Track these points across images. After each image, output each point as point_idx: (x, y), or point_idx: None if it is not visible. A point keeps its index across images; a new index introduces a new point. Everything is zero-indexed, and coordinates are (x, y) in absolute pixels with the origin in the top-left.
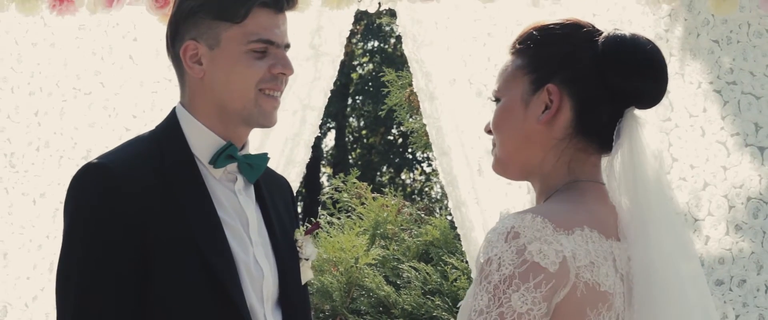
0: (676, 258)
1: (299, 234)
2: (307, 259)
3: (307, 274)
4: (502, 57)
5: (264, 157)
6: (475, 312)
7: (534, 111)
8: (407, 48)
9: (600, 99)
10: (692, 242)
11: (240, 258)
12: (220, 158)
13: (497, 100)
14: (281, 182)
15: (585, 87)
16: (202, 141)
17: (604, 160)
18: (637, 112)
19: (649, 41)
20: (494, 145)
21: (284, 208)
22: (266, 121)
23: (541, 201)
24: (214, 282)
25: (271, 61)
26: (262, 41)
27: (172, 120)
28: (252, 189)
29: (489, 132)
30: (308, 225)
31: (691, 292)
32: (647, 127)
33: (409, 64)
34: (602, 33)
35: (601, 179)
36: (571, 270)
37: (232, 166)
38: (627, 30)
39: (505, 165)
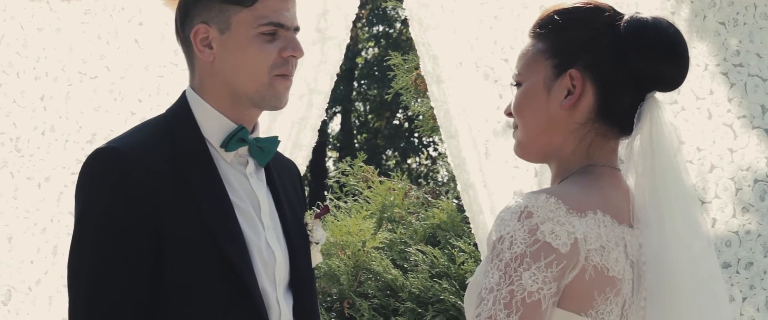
0: (689, 242)
1: (309, 218)
2: (316, 243)
3: (316, 258)
4: (512, 39)
5: (275, 141)
6: (486, 289)
7: (556, 96)
8: (414, 31)
9: (622, 83)
10: (706, 228)
11: (252, 243)
12: (231, 141)
13: (518, 84)
14: (289, 165)
15: (607, 72)
16: (213, 124)
17: (622, 144)
18: (658, 95)
19: (670, 24)
20: (515, 127)
21: (293, 191)
22: (278, 102)
23: (557, 183)
24: (226, 266)
25: (282, 43)
26: (272, 24)
27: (182, 104)
28: (263, 172)
29: (509, 115)
30: (317, 209)
31: (702, 279)
32: (668, 110)
33: (415, 48)
34: (623, 16)
35: (616, 164)
36: (581, 253)
37: (243, 150)
38: (648, 13)
39: (526, 149)
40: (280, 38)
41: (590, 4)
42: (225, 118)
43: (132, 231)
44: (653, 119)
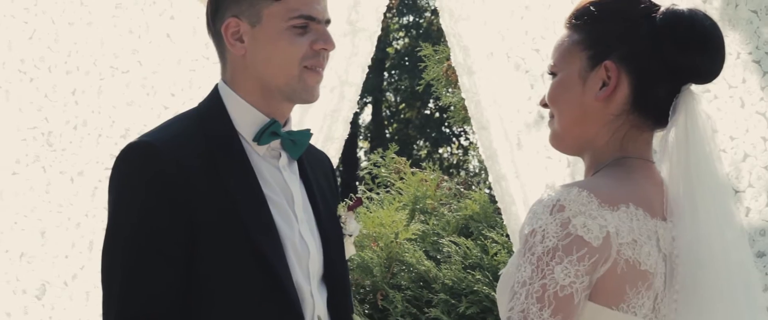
0: (723, 232)
1: (342, 210)
2: (350, 235)
3: (350, 250)
4: (543, 30)
5: (307, 133)
6: (518, 283)
7: (591, 87)
8: (444, 22)
9: (658, 75)
10: (739, 219)
11: (286, 235)
12: (264, 135)
13: (553, 74)
14: (322, 157)
15: (643, 63)
16: (245, 118)
17: (656, 136)
18: (694, 87)
19: (706, 16)
20: (551, 117)
21: (326, 184)
22: (310, 96)
23: (590, 175)
24: (260, 260)
25: (313, 36)
26: (303, 17)
27: (214, 97)
28: (296, 165)
29: (544, 105)
30: (350, 201)
31: (735, 269)
32: (703, 102)
33: (446, 39)
34: (659, 7)
35: (651, 156)
36: (613, 246)
37: (276, 143)
38: (684, 5)
39: (561, 139)
40: (312, 31)
41: None
42: (257, 112)
43: (166, 224)
44: (688, 111)
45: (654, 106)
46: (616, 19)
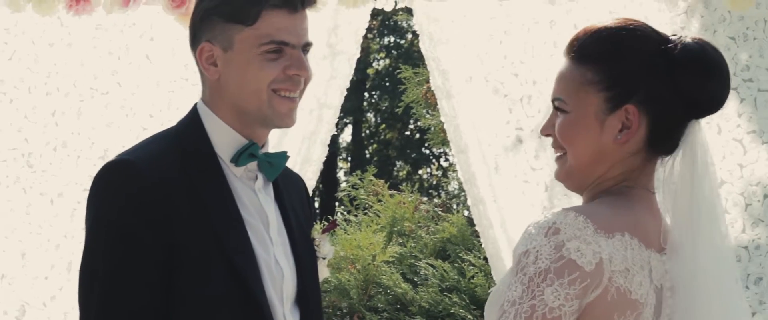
0: (720, 266)
1: (316, 233)
2: (324, 258)
3: (323, 273)
4: (522, 54)
5: (284, 156)
6: (508, 301)
7: (610, 130)
8: (424, 46)
9: (675, 111)
10: (734, 255)
11: (261, 258)
12: (242, 156)
13: (561, 110)
14: (296, 180)
15: (662, 103)
16: (224, 138)
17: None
18: (700, 121)
19: (714, 47)
20: (559, 152)
21: (300, 206)
22: (282, 122)
23: (588, 202)
24: (237, 281)
25: (286, 61)
26: (274, 42)
27: (194, 117)
28: (271, 187)
29: (547, 135)
30: (325, 223)
31: (728, 301)
32: (705, 131)
33: (425, 62)
34: (667, 39)
35: (652, 187)
36: (605, 273)
37: (253, 164)
38: (688, 37)
39: (573, 177)
40: (286, 56)
41: (634, 26)
42: (235, 133)
43: (145, 242)
44: (695, 144)
45: (668, 141)
46: (633, 58)
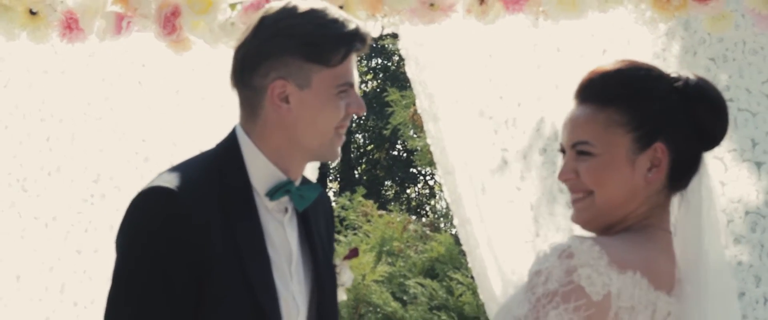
0: (727, 306)
1: (338, 260)
2: (342, 285)
3: (340, 297)
4: (506, 77)
5: (316, 188)
6: (515, 317)
7: (641, 168)
8: (410, 70)
9: (693, 146)
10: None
11: (281, 295)
12: (278, 192)
13: (585, 153)
14: (323, 200)
15: (684, 139)
16: (262, 172)
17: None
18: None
19: (712, 83)
20: (581, 195)
21: (325, 229)
22: (333, 156)
23: (599, 235)
24: (259, 316)
25: (348, 100)
26: (348, 84)
27: (232, 144)
28: (296, 217)
29: (567, 179)
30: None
31: None
32: (710, 165)
33: (412, 85)
34: (673, 77)
35: (669, 227)
36: (612, 307)
37: (285, 198)
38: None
39: (596, 219)
40: (348, 95)
41: (644, 68)
42: (275, 168)
43: (176, 274)
44: (702, 177)
45: (687, 175)
46: (656, 99)
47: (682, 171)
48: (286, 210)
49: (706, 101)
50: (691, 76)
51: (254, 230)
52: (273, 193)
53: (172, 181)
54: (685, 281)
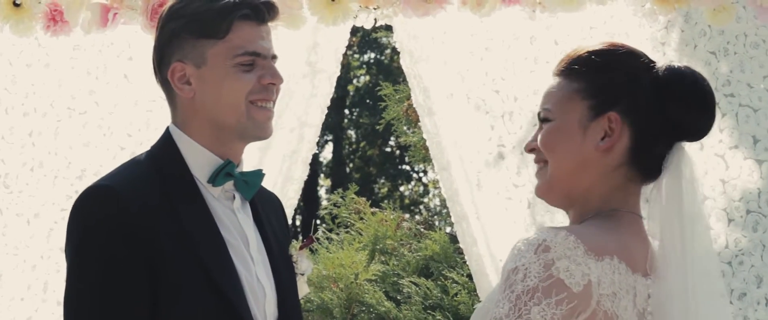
0: (710, 289)
1: (294, 250)
2: (302, 274)
3: (303, 289)
4: (502, 70)
5: (259, 174)
6: (495, 318)
7: (592, 137)
8: (404, 63)
9: (658, 130)
10: (722, 282)
11: (244, 278)
12: (219, 176)
13: (546, 120)
14: (272, 198)
15: (645, 118)
16: (199, 160)
17: (645, 190)
18: (684, 144)
19: (702, 77)
20: (540, 165)
21: (278, 225)
22: (261, 132)
23: (574, 222)
24: (222, 301)
25: (260, 71)
26: (248, 54)
27: (167, 140)
28: (248, 206)
29: (531, 151)
30: (303, 239)
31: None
32: (692, 159)
33: (406, 79)
34: (655, 64)
35: (639, 211)
36: (593, 296)
37: (229, 184)
38: (679, 63)
39: (553, 188)
40: (258, 66)
41: (622, 47)
42: (211, 154)
43: (130, 267)
44: (680, 169)
45: (651, 160)
46: (620, 71)
47: (646, 152)
48: (234, 197)
49: (676, 88)
50: (677, 65)
51: (202, 214)
52: (214, 178)
53: (111, 180)
54: (664, 265)
